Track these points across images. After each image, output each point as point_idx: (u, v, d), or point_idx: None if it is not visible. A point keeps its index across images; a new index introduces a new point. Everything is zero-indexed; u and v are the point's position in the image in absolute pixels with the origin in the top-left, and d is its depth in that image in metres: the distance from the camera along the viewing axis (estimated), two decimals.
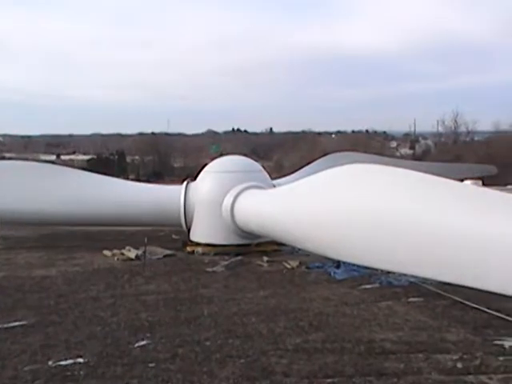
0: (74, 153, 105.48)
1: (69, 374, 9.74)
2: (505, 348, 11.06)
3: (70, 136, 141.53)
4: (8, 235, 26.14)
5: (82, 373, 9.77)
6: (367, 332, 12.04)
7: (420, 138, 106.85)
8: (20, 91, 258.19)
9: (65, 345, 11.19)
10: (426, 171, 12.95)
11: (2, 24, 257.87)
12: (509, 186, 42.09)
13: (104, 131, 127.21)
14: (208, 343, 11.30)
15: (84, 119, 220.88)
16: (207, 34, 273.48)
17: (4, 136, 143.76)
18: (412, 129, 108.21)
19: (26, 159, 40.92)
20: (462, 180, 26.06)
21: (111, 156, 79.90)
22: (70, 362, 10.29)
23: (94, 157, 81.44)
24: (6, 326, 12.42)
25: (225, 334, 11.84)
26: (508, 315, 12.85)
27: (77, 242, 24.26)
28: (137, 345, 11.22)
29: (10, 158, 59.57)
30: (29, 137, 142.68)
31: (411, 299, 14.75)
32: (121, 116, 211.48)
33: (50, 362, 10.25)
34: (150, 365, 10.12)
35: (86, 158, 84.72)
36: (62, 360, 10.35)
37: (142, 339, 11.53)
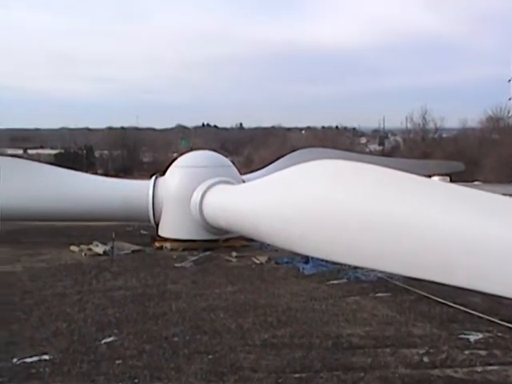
0: (41, 147, 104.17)
1: (34, 371, 9.63)
2: (470, 342, 11.18)
3: (37, 130, 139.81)
4: None
5: (47, 370, 9.65)
6: (335, 327, 12.09)
7: (389, 135, 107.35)
8: None
9: (30, 342, 11.06)
10: (394, 167, 12.99)
11: None
12: (476, 183, 42.51)
13: (72, 125, 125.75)
14: (176, 339, 11.26)
15: (51, 113, 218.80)
16: (177, 28, 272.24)
17: None
18: (381, 125, 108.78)
19: None
20: (429, 176, 26.34)
21: (79, 151, 79.13)
22: (35, 359, 10.17)
23: (62, 151, 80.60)
24: None
25: (193, 330, 11.80)
26: (473, 309, 13.00)
27: (43, 238, 24.01)
28: (103, 341, 11.12)
29: None
30: None
31: (379, 294, 14.84)
32: (89, 110, 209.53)
33: (14, 360, 10.12)
34: (117, 361, 10.05)
35: (54, 152, 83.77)
36: (26, 357, 10.22)
37: (109, 335, 11.45)
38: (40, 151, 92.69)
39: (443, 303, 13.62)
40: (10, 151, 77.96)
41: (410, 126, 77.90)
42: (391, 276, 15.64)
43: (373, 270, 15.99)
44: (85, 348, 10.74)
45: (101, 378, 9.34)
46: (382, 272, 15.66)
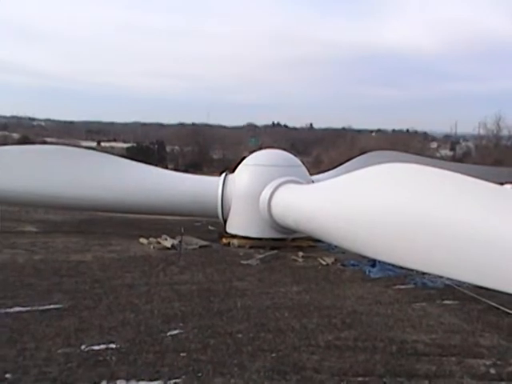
0: (114, 140, 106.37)
1: (101, 358, 9.83)
2: None
3: (111, 123, 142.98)
4: (45, 219, 26.53)
5: (113, 358, 9.85)
6: (400, 332, 11.96)
7: (461, 140, 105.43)
8: (64, 77, 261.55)
9: (98, 330, 11.30)
10: (466, 173, 12.77)
11: (48, 12, 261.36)
12: None
13: (145, 120, 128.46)
14: (240, 335, 11.32)
15: (125, 107, 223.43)
16: (251, 28, 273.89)
17: (46, 121, 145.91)
18: (453, 130, 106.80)
19: (67, 144, 41.38)
20: (502, 184, 25.69)
21: (151, 145, 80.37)
22: (102, 347, 10.39)
23: (134, 145, 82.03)
24: (41, 308, 12.59)
25: (257, 328, 11.85)
26: None
27: (113, 229, 24.50)
28: (169, 333, 11.28)
29: (51, 143, 60.21)
30: (71, 122, 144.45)
31: (446, 302, 14.61)
32: (162, 106, 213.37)
33: (82, 346, 10.35)
34: (182, 354, 10.17)
35: (126, 145, 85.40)
36: (94, 345, 10.46)
37: (175, 328, 11.60)
38: (113, 144, 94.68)
39: None
40: (84, 143, 79.91)
41: (482, 132, 76.26)
42: (459, 284, 15.37)
43: (440, 277, 15.74)
44: (151, 339, 10.91)
45: (165, 370, 9.47)
46: (449, 279, 15.41)
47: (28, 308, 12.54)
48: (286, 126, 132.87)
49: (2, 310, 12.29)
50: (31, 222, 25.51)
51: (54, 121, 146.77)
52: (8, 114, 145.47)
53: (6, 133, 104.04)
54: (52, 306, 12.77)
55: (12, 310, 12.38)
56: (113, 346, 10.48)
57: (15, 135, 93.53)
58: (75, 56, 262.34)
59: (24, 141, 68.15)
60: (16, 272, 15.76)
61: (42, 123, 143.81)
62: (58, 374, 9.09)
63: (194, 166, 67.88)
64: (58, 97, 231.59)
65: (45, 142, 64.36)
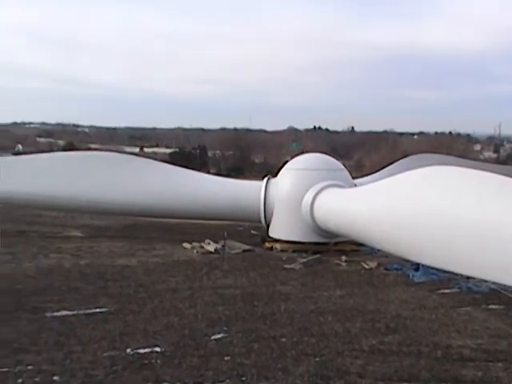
0: (156, 145, 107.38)
1: (146, 362, 9.94)
2: None
3: (154, 129, 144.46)
4: (90, 224, 26.88)
5: (158, 362, 9.95)
6: (445, 337, 11.84)
7: (505, 142, 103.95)
8: (107, 85, 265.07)
9: (143, 333, 11.42)
10: (510, 175, 12.59)
11: (90, 20, 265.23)
12: None
13: (187, 125, 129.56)
14: (283, 340, 11.33)
15: (167, 113, 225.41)
16: (290, 31, 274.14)
17: (90, 127, 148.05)
18: (497, 132, 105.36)
19: (111, 151, 41.88)
20: None
21: (193, 150, 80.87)
22: (147, 350, 10.50)
23: (177, 150, 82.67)
24: (87, 312, 12.78)
25: (300, 332, 11.85)
26: None
27: (157, 234, 24.72)
28: (213, 337, 11.34)
29: (95, 149, 61.02)
30: (114, 129, 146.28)
31: (491, 306, 14.43)
32: (203, 111, 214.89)
33: (128, 350, 10.48)
34: (226, 358, 10.22)
35: (168, 151, 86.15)
36: (139, 348, 10.57)
37: (219, 332, 11.66)
38: (156, 149, 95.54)
39: None
40: (127, 149, 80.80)
41: None
42: (505, 288, 15.13)
43: (485, 281, 15.52)
44: (195, 343, 10.99)
45: (210, 373, 9.52)
46: (495, 283, 15.20)
47: (74, 312, 12.76)
48: (327, 130, 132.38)
49: (49, 314, 12.52)
50: (76, 227, 25.90)
51: (97, 127, 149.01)
52: (53, 121, 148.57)
53: (52, 140, 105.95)
54: (98, 310, 12.95)
55: (59, 313, 12.61)
56: (157, 349, 10.58)
57: (60, 142, 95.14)
58: (118, 64, 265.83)
59: (69, 147, 69.19)
60: (62, 276, 16.03)
61: (86, 130, 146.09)
62: (103, 377, 9.22)
63: (236, 170, 68.00)
64: (102, 104, 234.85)
65: (89, 149, 65.19)
